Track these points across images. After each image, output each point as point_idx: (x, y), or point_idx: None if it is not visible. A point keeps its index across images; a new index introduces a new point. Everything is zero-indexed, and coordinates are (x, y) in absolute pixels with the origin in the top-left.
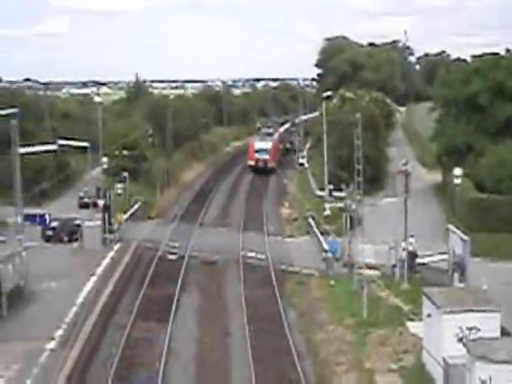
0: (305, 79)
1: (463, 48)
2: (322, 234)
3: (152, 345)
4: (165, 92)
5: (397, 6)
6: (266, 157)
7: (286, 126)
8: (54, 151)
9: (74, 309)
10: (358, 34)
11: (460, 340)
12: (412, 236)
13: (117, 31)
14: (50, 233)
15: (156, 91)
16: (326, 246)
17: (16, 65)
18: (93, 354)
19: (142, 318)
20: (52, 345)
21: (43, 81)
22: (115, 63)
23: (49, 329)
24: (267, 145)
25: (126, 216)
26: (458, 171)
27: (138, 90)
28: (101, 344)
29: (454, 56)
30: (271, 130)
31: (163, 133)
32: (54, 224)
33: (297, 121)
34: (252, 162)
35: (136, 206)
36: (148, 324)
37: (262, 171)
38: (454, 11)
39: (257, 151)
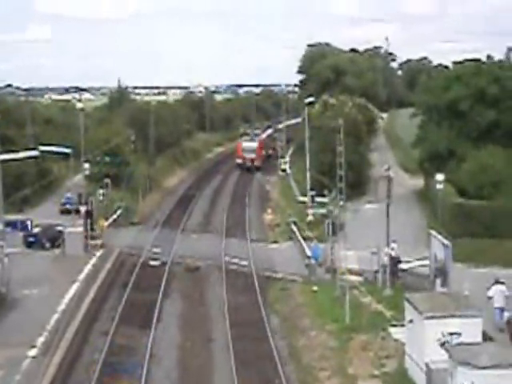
0: (287, 85)
1: (446, 54)
2: (304, 239)
3: (135, 351)
4: (147, 98)
5: (380, 13)
6: (253, 156)
7: (269, 131)
8: (36, 157)
9: (56, 315)
10: (342, 40)
11: (442, 345)
12: (394, 241)
13: (100, 38)
14: (31, 239)
15: (138, 97)
16: (308, 252)
17: None
18: (75, 360)
19: (124, 324)
20: (34, 352)
21: (25, 87)
22: (98, 69)
23: (30, 336)
24: (253, 145)
25: (107, 222)
26: (439, 177)
27: (120, 96)
28: (83, 351)
29: (436, 62)
30: (258, 132)
31: (145, 139)
32: (36, 230)
33: (279, 127)
34: (240, 161)
35: (118, 212)
36: (131, 330)
37: (248, 169)
38: (437, 18)
39: (244, 150)
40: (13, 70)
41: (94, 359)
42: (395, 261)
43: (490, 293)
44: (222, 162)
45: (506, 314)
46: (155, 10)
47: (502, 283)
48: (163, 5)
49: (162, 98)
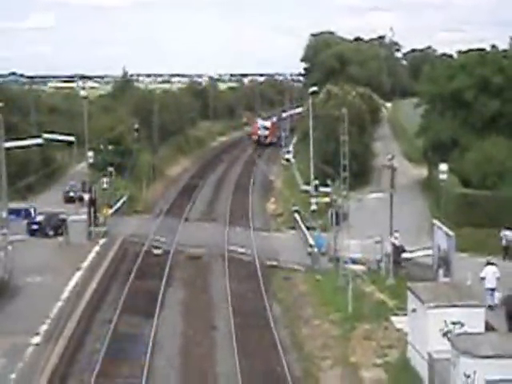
0: (291, 74)
1: (450, 44)
2: (307, 228)
3: (138, 339)
4: (151, 86)
5: (383, 2)
6: (266, 133)
7: (283, 115)
8: (40, 145)
9: (59, 303)
10: (345, 29)
11: (445, 335)
12: (396, 231)
13: (104, 26)
14: (35, 227)
15: (142, 85)
16: (311, 241)
17: (1, 59)
18: (78, 348)
19: (127, 312)
20: (37, 339)
21: (29, 74)
22: (102, 57)
23: (34, 323)
24: (267, 124)
25: (111, 210)
26: (443, 166)
27: (124, 85)
28: (86, 339)
29: (440, 52)
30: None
31: (149, 127)
32: (40, 218)
33: (283, 115)
34: (255, 137)
35: (122, 201)
36: (134, 319)
37: (263, 144)
38: (441, 7)
39: (259, 128)
40: (16, 57)
41: (96, 347)
42: (398, 250)
43: (482, 274)
44: (225, 151)
45: (497, 295)
46: None
47: (494, 264)
48: None
49: (166, 86)
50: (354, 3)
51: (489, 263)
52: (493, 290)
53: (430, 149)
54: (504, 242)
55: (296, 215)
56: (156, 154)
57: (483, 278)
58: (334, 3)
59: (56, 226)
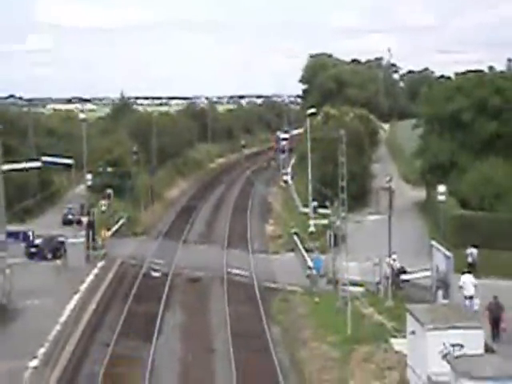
0: (289, 96)
1: (447, 65)
2: (306, 251)
3: (136, 362)
4: (149, 109)
5: (380, 24)
6: (285, 143)
7: (294, 132)
8: (38, 168)
9: (58, 326)
10: (343, 50)
11: (444, 357)
12: (394, 253)
13: (102, 48)
14: (33, 250)
15: (140, 108)
16: (310, 263)
17: (0, 81)
18: (76, 372)
19: (125, 335)
20: (35, 363)
21: (27, 97)
22: (100, 80)
23: (32, 347)
24: (286, 136)
25: (110, 233)
26: (441, 188)
27: (122, 107)
28: (84, 362)
29: (438, 73)
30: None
31: (148, 149)
32: (38, 241)
33: (282, 137)
34: (277, 146)
35: (120, 223)
36: (132, 342)
37: (282, 151)
38: (438, 29)
39: (279, 139)
40: (15, 80)
41: (94, 371)
42: (397, 272)
43: (460, 282)
44: (223, 173)
45: (476, 301)
46: (155, 21)
47: (470, 273)
48: (163, 15)
49: (165, 108)
50: (351, 25)
51: (465, 272)
52: (471, 297)
53: (428, 170)
54: (470, 259)
55: (295, 237)
56: (154, 176)
57: (461, 287)
58: (331, 25)
59: (54, 249)
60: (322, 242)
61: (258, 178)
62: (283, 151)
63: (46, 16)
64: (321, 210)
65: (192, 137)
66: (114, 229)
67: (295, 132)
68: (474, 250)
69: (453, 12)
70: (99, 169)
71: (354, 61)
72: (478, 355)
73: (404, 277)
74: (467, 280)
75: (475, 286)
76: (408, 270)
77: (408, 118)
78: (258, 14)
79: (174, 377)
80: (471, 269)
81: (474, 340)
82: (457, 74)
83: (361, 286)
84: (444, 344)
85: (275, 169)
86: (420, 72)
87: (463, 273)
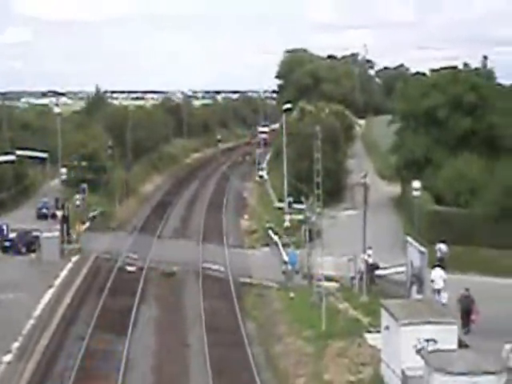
0: (265, 91)
1: (423, 62)
2: (281, 245)
3: (110, 356)
4: (125, 103)
5: (358, 19)
6: (265, 136)
7: (273, 126)
8: (12, 162)
9: (32, 321)
10: (319, 46)
11: (418, 352)
12: (370, 248)
13: (78, 41)
14: (7, 244)
15: (116, 102)
16: (285, 258)
17: None
18: (50, 366)
19: (100, 329)
20: (9, 357)
21: (1, 91)
22: (75, 73)
23: (5, 341)
24: (266, 129)
25: (84, 227)
26: (416, 184)
27: (97, 101)
28: (58, 356)
29: (413, 70)
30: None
31: (123, 144)
32: (12, 235)
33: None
34: (257, 139)
35: (95, 218)
36: (107, 336)
37: (263, 144)
38: (414, 25)
39: (260, 132)
40: None
41: (69, 364)
42: (372, 267)
43: (431, 276)
44: (199, 168)
45: (444, 295)
46: (131, 14)
47: (440, 267)
48: (140, 9)
49: (140, 102)
50: (327, 21)
51: (435, 266)
52: (439, 291)
53: (403, 166)
54: (439, 254)
55: (270, 232)
56: (129, 171)
57: (432, 281)
58: (308, 21)
59: (29, 243)
60: (297, 237)
61: (234, 173)
62: (265, 144)
63: (22, 8)
64: (296, 206)
65: (168, 131)
66: (88, 223)
67: (274, 126)
68: (442, 246)
69: (431, 8)
70: (74, 163)
71: (330, 56)
72: (451, 350)
73: (379, 272)
74: (437, 274)
75: (444, 280)
76: (381, 265)
77: (383, 114)
78: (234, 8)
79: (148, 371)
80: (441, 263)
81: (447, 335)
82: (432, 71)
83: (336, 281)
84: (418, 339)
85: (251, 164)
86: (395, 68)
87: (433, 267)
